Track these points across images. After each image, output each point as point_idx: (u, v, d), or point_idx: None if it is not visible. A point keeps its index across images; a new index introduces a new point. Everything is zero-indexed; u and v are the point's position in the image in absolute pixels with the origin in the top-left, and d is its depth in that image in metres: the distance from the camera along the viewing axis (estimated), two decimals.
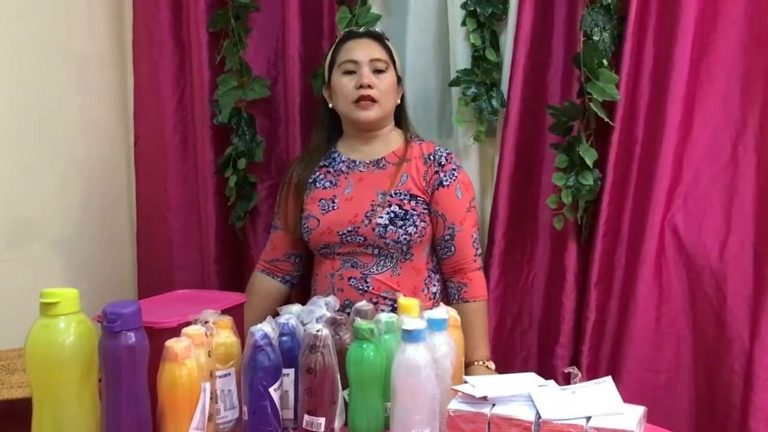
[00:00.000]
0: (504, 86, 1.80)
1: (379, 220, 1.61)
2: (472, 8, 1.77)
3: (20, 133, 1.77)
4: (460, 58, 1.83)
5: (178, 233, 2.05)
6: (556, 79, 1.79)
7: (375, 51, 1.68)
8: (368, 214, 1.62)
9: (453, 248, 1.66)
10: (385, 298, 1.62)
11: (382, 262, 1.63)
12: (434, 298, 1.68)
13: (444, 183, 1.65)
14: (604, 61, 1.65)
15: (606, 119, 1.66)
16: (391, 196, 1.63)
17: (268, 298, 1.77)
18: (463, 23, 1.79)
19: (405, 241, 1.61)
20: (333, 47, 1.73)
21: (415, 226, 1.62)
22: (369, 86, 1.63)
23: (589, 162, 1.68)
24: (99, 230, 2.05)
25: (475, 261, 1.69)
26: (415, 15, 1.90)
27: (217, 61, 1.96)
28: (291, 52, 1.91)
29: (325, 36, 1.95)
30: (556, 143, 1.74)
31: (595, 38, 1.64)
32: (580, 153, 1.67)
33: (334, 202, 1.66)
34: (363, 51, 1.67)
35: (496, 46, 1.80)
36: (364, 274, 1.63)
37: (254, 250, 2.01)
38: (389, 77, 1.68)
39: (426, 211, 1.65)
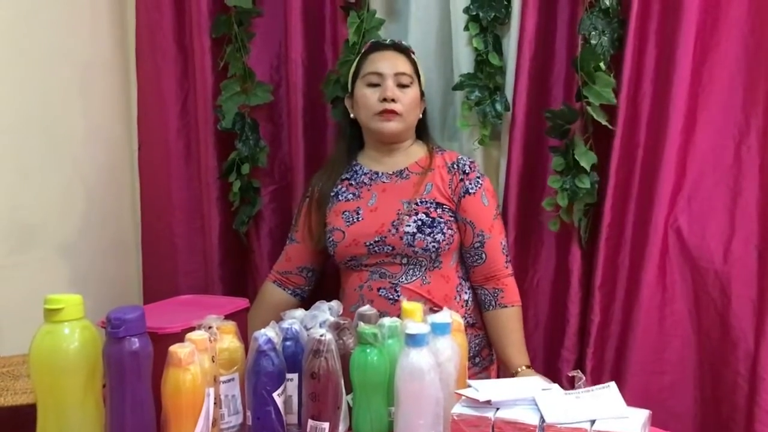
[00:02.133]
0: (507, 90, 1.81)
1: (407, 228, 1.60)
2: (474, 12, 1.77)
3: (24, 138, 1.78)
4: (463, 63, 1.83)
5: (182, 238, 2.05)
6: (559, 82, 1.79)
7: (400, 64, 1.67)
8: (395, 223, 1.61)
9: (484, 255, 1.65)
10: None
11: (411, 271, 1.62)
12: (466, 306, 1.67)
13: (470, 191, 1.65)
14: (601, 65, 1.65)
15: (604, 122, 1.66)
16: (417, 204, 1.62)
17: (277, 309, 1.74)
18: (466, 27, 1.80)
19: (433, 249, 1.60)
20: (358, 57, 1.73)
21: (443, 234, 1.60)
22: (393, 100, 1.63)
23: (587, 165, 1.68)
24: (102, 236, 2.05)
25: (506, 267, 1.67)
26: (417, 19, 1.90)
27: (220, 66, 1.96)
28: (294, 57, 1.91)
29: (328, 41, 1.96)
30: (554, 146, 1.74)
31: (593, 42, 1.64)
32: (576, 156, 1.67)
33: (358, 214, 1.65)
34: (388, 63, 1.66)
35: (499, 50, 1.81)
36: (393, 283, 1.61)
37: (257, 255, 2.01)
38: (413, 92, 1.67)
39: (452, 219, 1.64)
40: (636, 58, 1.66)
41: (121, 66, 2.12)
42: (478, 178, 1.68)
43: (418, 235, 1.59)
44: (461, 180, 1.65)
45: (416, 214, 1.61)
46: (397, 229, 1.60)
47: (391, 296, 1.60)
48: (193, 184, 2.05)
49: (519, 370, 1.60)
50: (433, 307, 1.57)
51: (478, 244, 1.65)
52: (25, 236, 1.79)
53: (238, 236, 2.03)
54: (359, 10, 1.87)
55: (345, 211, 1.67)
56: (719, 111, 1.64)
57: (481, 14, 1.77)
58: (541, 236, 1.83)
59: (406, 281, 1.61)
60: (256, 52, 1.98)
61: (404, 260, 1.61)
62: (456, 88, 1.83)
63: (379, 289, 1.62)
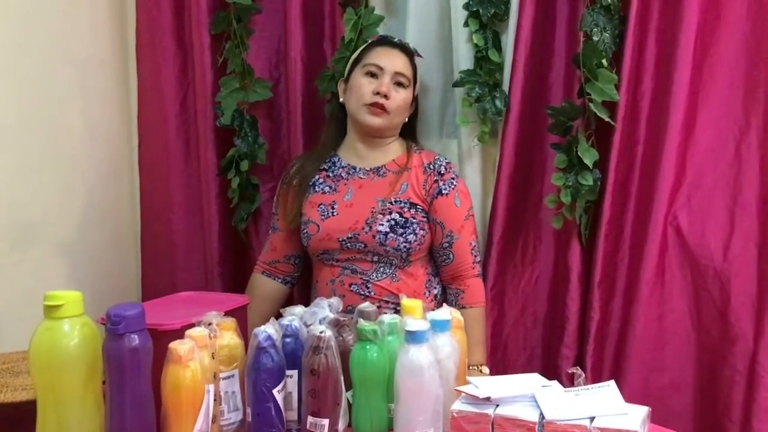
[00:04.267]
0: (506, 87, 1.80)
1: (380, 228, 1.61)
2: (474, 9, 1.77)
3: (24, 136, 1.77)
4: (463, 59, 1.83)
5: (181, 235, 2.06)
6: (559, 79, 1.79)
7: (401, 65, 1.69)
8: (368, 221, 1.63)
9: (451, 255, 1.67)
10: (387, 301, 1.63)
11: (381, 269, 1.64)
12: (436, 300, 1.69)
13: (443, 191, 1.66)
14: (604, 62, 1.65)
15: (606, 119, 1.66)
16: (391, 203, 1.64)
17: (269, 300, 1.77)
18: (466, 24, 1.79)
19: (405, 249, 1.62)
20: (363, 47, 1.74)
21: (415, 234, 1.62)
22: (385, 96, 1.64)
23: (589, 162, 1.68)
24: (102, 233, 2.05)
25: (473, 268, 1.69)
26: (416, 16, 1.90)
27: (219, 63, 1.96)
28: (293, 54, 1.91)
29: (327, 38, 1.96)
30: (556, 143, 1.74)
31: (595, 38, 1.64)
32: (579, 153, 1.67)
33: (333, 208, 1.67)
34: (391, 61, 1.68)
35: (498, 47, 1.80)
36: (364, 280, 1.64)
37: (257, 252, 2.01)
38: (406, 94, 1.69)
39: (425, 219, 1.66)
40: (636, 55, 1.66)
41: (121, 63, 2.12)
42: (453, 179, 1.69)
43: (391, 234, 1.61)
44: (435, 181, 1.67)
45: (390, 213, 1.63)
46: (370, 227, 1.62)
47: (363, 292, 1.63)
48: (193, 181, 2.05)
49: (470, 368, 1.60)
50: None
51: (447, 244, 1.67)
52: (25, 234, 1.78)
53: (237, 233, 2.03)
54: (357, 7, 1.87)
55: (321, 203, 1.68)
56: (719, 108, 1.64)
57: (480, 10, 1.77)
58: (540, 233, 1.83)
59: (376, 278, 1.63)
60: (255, 48, 1.98)
61: (375, 258, 1.64)
62: (456, 84, 1.83)
63: (350, 285, 1.64)
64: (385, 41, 1.74)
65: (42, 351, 1.06)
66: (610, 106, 1.67)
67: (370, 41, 1.75)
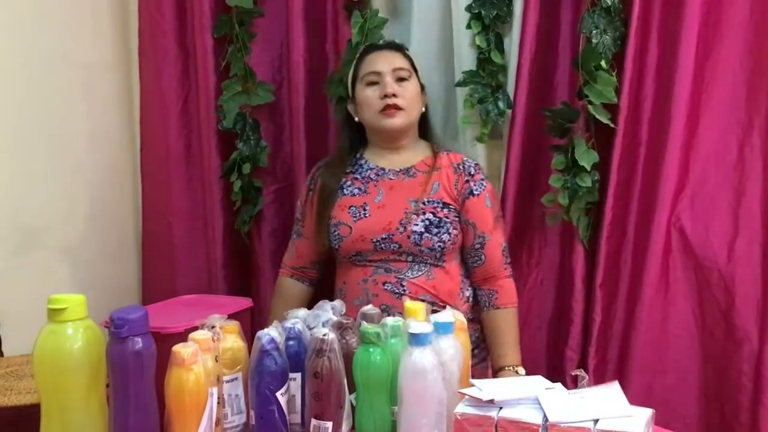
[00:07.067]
0: (509, 88, 1.81)
1: (415, 228, 1.60)
2: (476, 11, 1.77)
3: (27, 140, 1.78)
4: (465, 61, 1.83)
5: (183, 239, 2.06)
6: (564, 81, 1.79)
7: (397, 61, 1.68)
8: (402, 222, 1.62)
9: (483, 257, 1.66)
10: (423, 301, 1.58)
11: (416, 267, 1.63)
12: (469, 302, 1.69)
13: (474, 192, 1.66)
14: (603, 64, 1.65)
15: (606, 121, 1.66)
16: (424, 203, 1.63)
17: (301, 303, 1.75)
18: (468, 26, 1.80)
19: (439, 248, 1.61)
20: (354, 61, 1.74)
21: (449, 233, 1.62)
22: (394, 95, 1.64)
23: (587, 164, 1.68)
24: (106, 237, 2.06)
25: (505, 269, 1.69)
26: (419, 18, 1.90)
27: (221, 66, 1.97)
28: (295, 57, 1.92)
29: (329, 41, 1.96)
30: (555, 145, 1.74)
31: (594, 41, 1.64)
32: (575, 155, 1.67)
33: (365, 210, 1.66)
34: (385, 62, 1.68)
35: (501, 49, 1.81)
36: (399, 278, 1.62)
37: (259, 255, 2.02)
38: (413, 85, 1.68)
39: (457, 219, 1.65)
40: (638, 57, 1.66)
41: (124, 67, 2.13)
42: (482, 180, 1.69)
43: (426, 234, 1.60)
44: (467, 181, 1.67)
45: (424, 213, 1.62)
46: (405, 227, 1.61)
47: (397, 290, 1.61)
48: (194, 184, 2.06)
49: (504, 367, 1.62)
50: (438, 302, 1.58)
51: (479, 246, 1.66)
52: (28, 238, 1.79)
53: (240, 236, 2.03)
54: (363, 10, 1.87)
55: (351, 206, 1.67)
56: (722, 109, 1.64)
57: (483, 12, 1.77)
58: (545, 235, 1.83)
59: (411, 276, 1.62)
60: (258, 52, 1.98)
61: (409, 258, 1.63)
62: (458, 84, 1.83)
63: (384, 283, 1.62)
64: (372, 47, 1.75)
65: (46, 354, 1.06)
66: (611, 108, 1.67)
67: (358, 55, 1.74)
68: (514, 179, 1.78)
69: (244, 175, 1.97)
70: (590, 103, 1.66)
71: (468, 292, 1.70)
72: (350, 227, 1.65)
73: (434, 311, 1.53)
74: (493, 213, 1.68)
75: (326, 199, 1.69)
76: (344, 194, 1.69)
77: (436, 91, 1.92)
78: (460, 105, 1.86)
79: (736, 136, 1.63)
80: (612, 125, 1.67)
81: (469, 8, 1.79)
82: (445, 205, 1.64)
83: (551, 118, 1.72)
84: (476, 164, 1.71)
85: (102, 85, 2.05)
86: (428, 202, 1.64)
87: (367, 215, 1.65)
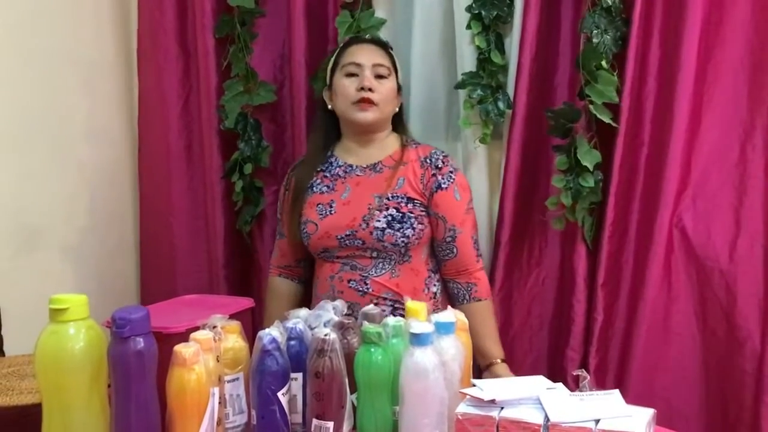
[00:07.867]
0: (509, 89, 1.80)
1: (377, 224, 1.61)
2: (477, 11, 1.77)
3: (28, 140, 1.78)
4: (467, 61, 1.83)
5: (182, 239, 2.06)
6: (564, 81, 1.79)
7: (378, 57, 1.69)
8: (366, 218, 1.63)
9: (455, 250, 1.67)
10: (385, 299, 1.63)
11: (380, 264, 1.64)
12: (435, 298, 1.69)
13: (442, 186, 1.66)
14: (604, 63, 1.65)
15: (607, 121, 1.66)
16: (388, 199, 1.64)
17: (292, 300, 1.78)
18: (468, 26, 1.79)
19: (402, 244, 1.62)
20: (337, 51, 1.74)
21: (413, 229, 1.62)
22: (370, 89, 1.64)
23: (590, 164, 1.68)
24: (107, 237, 2.06)
25: (477, 261, 1.70)
26: (421, 19, 1.90)
27: (223, 66, 1.97)
28: (297, 57, 1.92)
29: (331, 40, 1.96)
30: (557, 145, 1.74)
31: (595, 40, 1.64)
32: (578, 155, 1.67)
33: (331, 207, 1.67)
34: (366, 55, 1.68)
35: (501, 49, 1.80)
36: (363, 276, 1.64)
37: (261, 254, 2.02)
38: (390, 83, 1.69)
39: (424, 213, 1.65)
40: (640, 57, 1.66)
41: (125, 67, 2.13)
42: (451, 172, 1.68)
43: (388, 230, 1.61)
44: (433, 174, 1.66)
45: (387, 209, 1.63)
46: (367, 224, 1.62)
47: (361, 288, 1.63)
48: (194, 184, 2.06)
49: (494, 362, 1.63)
50: (401, 301, 1.58)
51: (450, 239, 1.66)
52: (30, 238, 1.79)
53: (241, 236, 2.03)
54: (354, 10, 1.86)
55: (319, 203, 1.69)
56: (724, 109, 1.64)
57: (483, 13, 1.77)
58: (546, 235, 1.83)
59: (375, 274, 1.63)
60: (259, 52, 1.98)
61: (374, 254, 1.64)
62: (458, 86, 1.83)
63: (349, 281, 1.64)
64: (357, 39, 1.75)
65: (47, 354, 1.06)
66: (614, 108, 1.67)
67: (342, 44, 1.75)
68: (514, 179, 1.77)
69: (245, 176, 1.97)
70: (591, 102, 1.66)
71: (435, 288, 1.69)
72: (316, 224, 1.66)
73: (395, 309, 1.58)
74: (462, 205, 1.68)
75: (297, 198, 1.71)
76: (314, 192, 1.71)
77: (439, 91, 1.92)
78: (461, 105, 1.86)
79: (738, 136, 1.63)
80: (614, 125, 1.66)
81: (469, 8, 1.78)
82: (410, 200, 1.65)
83: (553, 118, 1.72)
84: (445, 156, 1.70)
85: (103, 84, 2.05)
86: (392, 197, 1.64)
87: (333, 212, 1.66)
